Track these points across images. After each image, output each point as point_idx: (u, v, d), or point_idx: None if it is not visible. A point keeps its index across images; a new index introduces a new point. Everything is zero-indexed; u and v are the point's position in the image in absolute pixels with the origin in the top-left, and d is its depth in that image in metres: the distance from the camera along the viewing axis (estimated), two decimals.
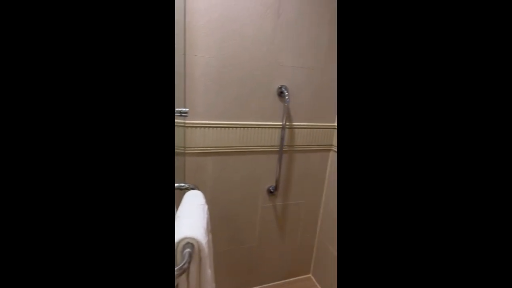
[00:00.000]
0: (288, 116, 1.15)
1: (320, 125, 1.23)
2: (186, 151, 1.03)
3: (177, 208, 0.68)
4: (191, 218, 0.62)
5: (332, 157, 1.30)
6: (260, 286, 1.40)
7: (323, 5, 1.05)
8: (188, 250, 0.49)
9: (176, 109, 0.84)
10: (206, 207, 0.74)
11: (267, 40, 1.02)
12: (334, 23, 1.09)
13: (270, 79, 1.07)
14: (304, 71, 1.12)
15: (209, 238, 0.70)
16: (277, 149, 1.16)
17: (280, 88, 1.09)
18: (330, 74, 1.17)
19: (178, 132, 0.97)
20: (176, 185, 0.84)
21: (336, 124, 1.26)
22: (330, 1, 1.06)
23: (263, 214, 1.27)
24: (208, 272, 0.57)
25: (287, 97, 1.08)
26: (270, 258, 1.37)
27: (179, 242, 0.50)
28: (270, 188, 1.23)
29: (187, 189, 0.83)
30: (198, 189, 0.81)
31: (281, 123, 1.11)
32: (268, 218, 1.30)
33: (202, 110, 1.01)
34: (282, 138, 1.11)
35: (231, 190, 1.17)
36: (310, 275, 1.52)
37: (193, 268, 0.52)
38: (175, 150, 0.86)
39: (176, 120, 0.87)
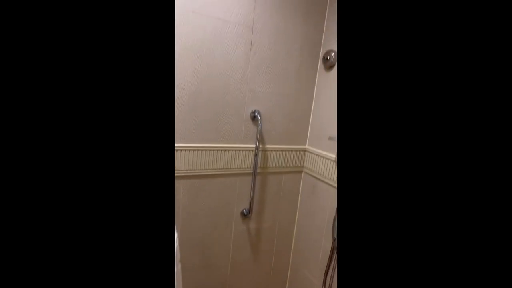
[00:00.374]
0: (261, 139, 1.18)
1: (292, 147, 1.28)
2: None
3: None
4: None
5: (304, 179, 1.34)
6: None
7: (293, 38, 1.14)
8: None
9: None
10: (175, 235, 0.71)
11: (240, 68, 1.06)
12: (303, 54, 1.18)
13: (243, 103, 1.11)
14: (276, 97, 1.17)
15: (178, 269, 0.67)
16: (251, 172, 1.17)
17: (253, 112, 1.13)
18: (300, 100, 1.24)
19: None
20: None
21: (307, 146, 1.31)
22: (299, 34, 1.15)
23: (237, 238, 1.25)
24: None
25: (260, 121, 1.11)
26: (243, 284, 1.32)
27: None
28: (244, 210, 1.22)
29: None
30: None
31: (254, 146, 1.13)
32: (242, 242, 1.27)
33: (175, 133, 1.00)
34: (255, 160, 1.13)
35: (204, 215, 1.14)
36: None
37: None
38: None
39: None
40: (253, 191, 1.16)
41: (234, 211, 1.21)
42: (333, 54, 1.12)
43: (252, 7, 1.02)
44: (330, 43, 1.16)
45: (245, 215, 1.22)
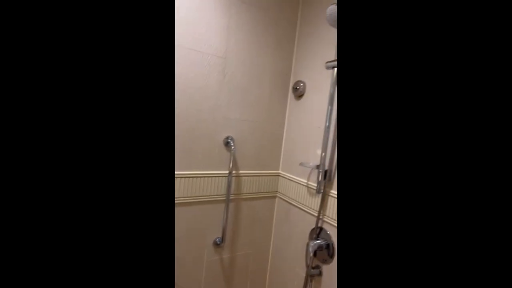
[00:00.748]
0: (234, 165, 1.18)
1: (266, 172, 1.29)
2: None
3: None
4: None
5: (278, 204, 1.34)
6: None
7: (264, 68, 1.20)
8: None
9: None
10: None
11: (213, 96, 1.08)
12: (274, 83, 1.24)
13: (216, 130, 1.11)
14: (249, 123, 1.20)
15: None
16: (224, 198, 1.15)
17: (227, 138, 1.14)
18: (272, 127, 1.28)
19: None
20: None
21: (279, 171, 1.33)
22: (270, 65, 1.21)
23: (209, 268, 1.19)
24: None
25: (233, 147, 1.12)
26: None
27: None
28: (217, 240, 1.17)
29: None
30: None
31: (227, 172, 1.13)
32: (215, 272, 1.21)
33: None
34: (229, 186, 1.11)
35: (175, 245, 1.07)
36: None
37: None
38: None
39: None
40: (226, 219, 1.13)
41: (206, 241, 1.16)
42: (302, 84, 1.20)
43: (225, 40, 1.07)
44: (299, 74, 1.24)
45: (218, 244, 1.17)
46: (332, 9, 0.86)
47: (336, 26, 0.89)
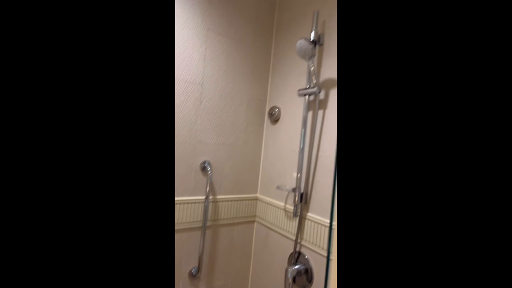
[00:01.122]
0: (211, 189, 1.17)
1: (244, 196, 1.28)
2: None
3: None
4: None
5: (257, 228, 1.32)
6: None
7: (240, 94, 1.24)
8: None
9: None
10: None
11: (190, 121, 1.09)
12: (250, 108, 1.28)
13: (192, 155, 1.11)
14: (226, 147, 1.21)
15: None
16: (200, 225, 1.11)
17: (203, 163, 1.13)
18: (249, 150, 1.29)
19: None
20: None
21: (258, 195, 1.33)
22: (246, 91, 1.26)
23: None
24: None
25: (210, 171, 1.11)
26: None
27: None
28: (193, 270, 1.11)
29: None
30: None
31: (204, 197, 1.10)
32: None
33: None
34: (205, 212, 1.09)
35: None
36: None
37: None
38: None
39: None
40: (203, 247, 1.09)
41: (181, 273, 1.10)
42: (277, 109, 1.25)
43: (202, 67, 1.11)
44: (274, 99, 1.30)
45: (194, 275, 1.11)
46: (301, 43, 0.94)
47: (306, 59, 0.96)
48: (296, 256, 1.06)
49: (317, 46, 1.05)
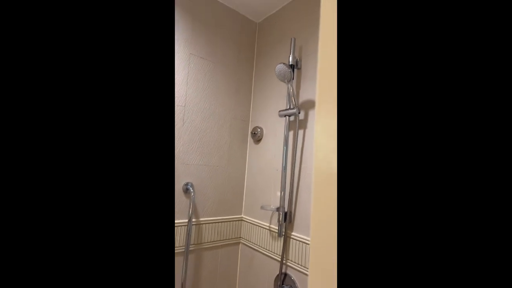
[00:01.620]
0: (194, 212, 1.14)
1: (228, 218, 1.26)
2: None
3: None
4: None
5: (242, 250, 1.29)
6: None
7: (223, 115, 1.26)
8: None
9: None
10: None
11: None
12: (233, 129, 1.30)
13: (175, 177, 1.09)
14: (209, 168, 1.20)
15: None
16: (183, 250, 1.07)
17: (186, 185, 1.11)
18: (233, 170, 1.29)
19: None
20: None
21: (242, 215, 1.31)
22: (229, 112, 1.29)
23: None
24: None
25: (192, 193, 1.10)
26: None
27: None
28: None
29: None
30: None
31: (186, 220, 1.07)
32: None
33: None
34: (188, 236, 1.05)
35: None
36: None
37: None
38: None
39: None
40: (185, 273, 1.04)
41: None
42: (259, 130, 1.28)
43: (185, 90, 1.13)
44: (257, 120, 1.33)
45: None
46: (280, 67, 0.99)
47: (285, 81, 1.01)
48: (282, 278, 1.04)
49: (295, 70, 1.11)
